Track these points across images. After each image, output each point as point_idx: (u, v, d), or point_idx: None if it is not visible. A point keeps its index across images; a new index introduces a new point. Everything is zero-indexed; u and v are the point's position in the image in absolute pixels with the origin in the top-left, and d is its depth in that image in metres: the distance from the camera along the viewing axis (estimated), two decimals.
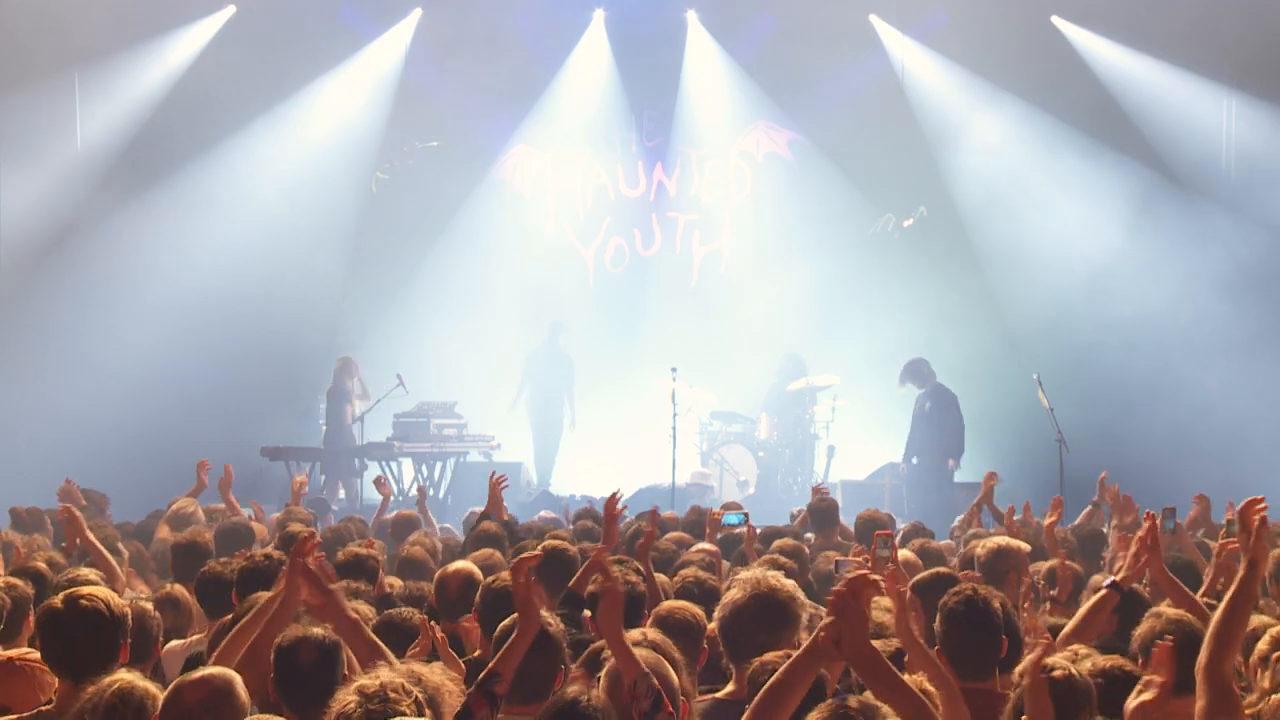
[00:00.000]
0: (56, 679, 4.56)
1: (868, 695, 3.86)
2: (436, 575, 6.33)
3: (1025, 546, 6.91)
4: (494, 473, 8.86)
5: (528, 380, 17.15)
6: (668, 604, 5.44)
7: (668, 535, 8.56)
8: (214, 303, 16.54)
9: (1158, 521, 5.67)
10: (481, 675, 4.26)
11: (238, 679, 4.01)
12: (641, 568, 6.27)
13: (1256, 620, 4.99)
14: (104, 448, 14.70)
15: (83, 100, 16.57)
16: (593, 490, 14.98)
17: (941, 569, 6.21)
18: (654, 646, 4.48)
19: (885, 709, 3.66)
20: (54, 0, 15.70)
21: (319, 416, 16.49)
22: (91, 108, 16.64)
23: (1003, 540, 6.92)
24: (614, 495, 6.77)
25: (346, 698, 3.71)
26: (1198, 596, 5.83)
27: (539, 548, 6.47)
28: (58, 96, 16.38)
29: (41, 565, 6.70)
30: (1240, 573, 4.31)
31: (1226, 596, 4.32)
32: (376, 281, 17.95)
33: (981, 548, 6.82)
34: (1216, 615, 4.28)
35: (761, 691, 3.96)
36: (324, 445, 15.65)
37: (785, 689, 3.90)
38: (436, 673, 3.91)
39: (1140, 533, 5.50)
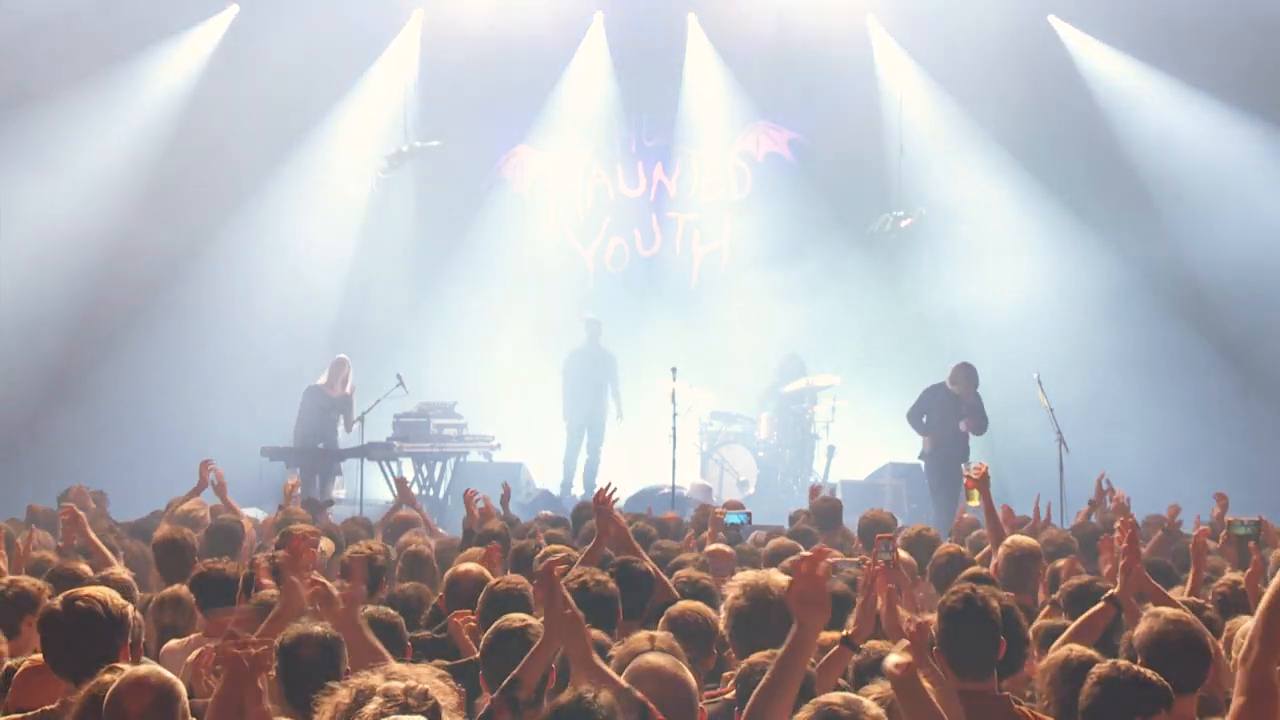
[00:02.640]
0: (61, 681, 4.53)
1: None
2: (448, 575, 6.31)
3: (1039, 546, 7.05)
4: (468, 489, 9.08)
5: (568, 381, 16.82)
6: (680, 604, 5.28)
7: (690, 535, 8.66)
8: (222, 304, 16.59)
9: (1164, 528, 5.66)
10: (505, 681, 4.26)
11: (174, 677, 3.87)
12: (650, 567, 6.22)
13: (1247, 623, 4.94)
14: (113, 449, 14.78)
15: (96, 107, 16.44)
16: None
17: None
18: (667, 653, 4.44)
19: (871, 706, 3.65)
20: (50, 6, 15.69)
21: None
22: (109, 114, 16.52)
23: (1025, 540, 7.00)
24: (604, 490, 6.74)
25: (370, 700, 3.38)
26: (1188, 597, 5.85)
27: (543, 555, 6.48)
28: (65, 105, 16.30)
29: (84, 567, 6.61)
30: None
31: (1273, 586, 3.88)
32: (376, 281, 17.93)
33: (1005, 547, 6.90)
34: (1263, 606, 3.86)
35: (754, 693, 3.95)
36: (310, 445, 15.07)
37: (778, 688, 3.89)
38: (426, 675, 3.91)
39: (1120, 542, 5.48)
